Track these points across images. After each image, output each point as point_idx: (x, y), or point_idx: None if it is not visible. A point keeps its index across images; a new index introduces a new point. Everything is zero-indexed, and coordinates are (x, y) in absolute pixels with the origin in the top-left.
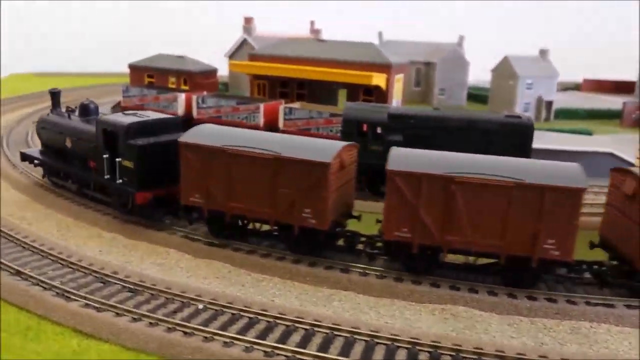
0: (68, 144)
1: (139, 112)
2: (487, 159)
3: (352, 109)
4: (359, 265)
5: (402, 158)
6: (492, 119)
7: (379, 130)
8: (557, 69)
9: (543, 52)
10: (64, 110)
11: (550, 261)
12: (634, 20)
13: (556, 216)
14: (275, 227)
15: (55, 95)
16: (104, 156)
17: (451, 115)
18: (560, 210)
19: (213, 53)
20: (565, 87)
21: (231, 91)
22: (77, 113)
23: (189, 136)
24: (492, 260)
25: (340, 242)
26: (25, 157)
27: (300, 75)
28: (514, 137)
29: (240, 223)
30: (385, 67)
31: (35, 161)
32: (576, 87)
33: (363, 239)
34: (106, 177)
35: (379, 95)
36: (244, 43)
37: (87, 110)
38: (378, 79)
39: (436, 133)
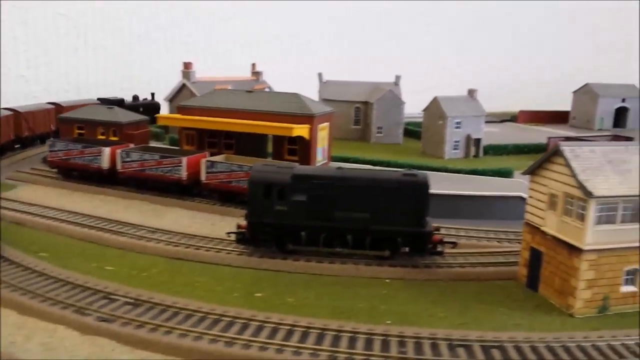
0: None
1: None
2: None
3: (258, 171)
4: None
5: None
6: (390, 178)
7: (283, 191)
8: (484, 108)
9: (471, 92)
10: None
11: None
12: (569, 53)
13: None
14: None
15: None
16: None
17: (352, 175)
18: None
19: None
20: (502, 119)
21: (171, 133)
22: None
23: None
24: None
25: None
26: None
27: (224, 127)
28: (410, 195)
29: None
30: (308, 118)
31: None
32: (513, 119)
33: None
34: None
35: (303, 144)
36: (183, 87)
37: None
38: (300, 130)
39: (338, 192)
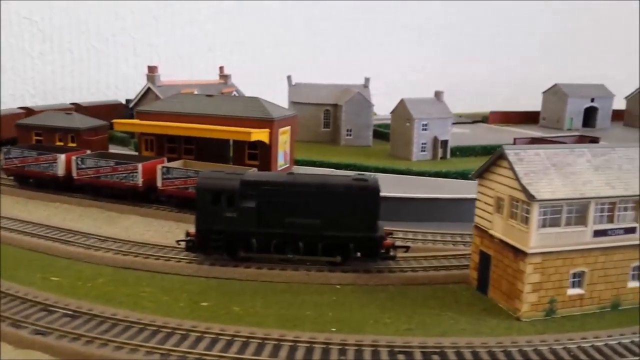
0: None
1: None
2: None
3: (206, 177)
4: None
5: None
6: (340, 183)
7: (232, 197)
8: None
9: (438, 94)
10: None
11: None
12: (539, 53)
13: None
14: None
15: None
16: None
17: (302, 181)
18: None
19: None
20: (474, 120)
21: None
22: None
23: None
24: None
25: None
26: None
27: (181, 132)
28: (361, 200)
29: None
30: (268, 122)
31: None
32: (484, 120)
33: None
34: None
35: (263, 149)
36: (148, 91)
37: None
38: (259, 135)
39: (288, 198)
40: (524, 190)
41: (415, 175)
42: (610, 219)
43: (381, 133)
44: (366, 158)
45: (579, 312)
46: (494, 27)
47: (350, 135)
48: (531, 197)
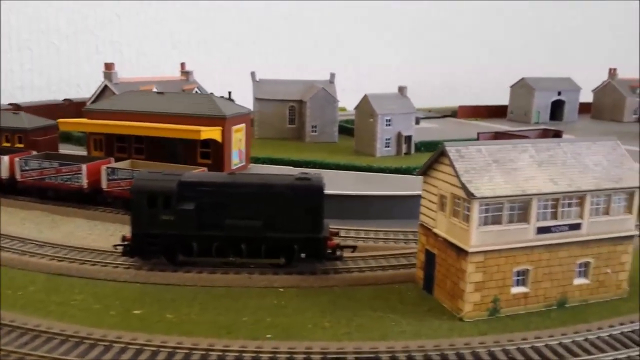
0: None
1: None
2: None
3: (141, 179)
4: None
5: None
6: (282, 183)
7: (169, 199)
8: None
9: (401, 89)
10: None
11: None
12: (509, 47)
13: None
14: None
15: None
16: None
17: (242, 181)
18: None
19: None
20: (443, 115)
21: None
22: None
23: None
24: None
25: None
26: None
27: (128, 132)
28: (304, 199)
29: None
30: (219, 120)
31: None
32: (453, 114)
33: None
34: None
35: (216, 147)
36: (105, 89)
37: None
38: (210, 133)
39: (228, 199)
40: (464, 187)
41: (376, 172)
42: (554, 216)
43: (349, 129)
44: (330, 155)
45: (524, 310)
46: (468, 24)
47: (315, 131)
48: (471, 195)
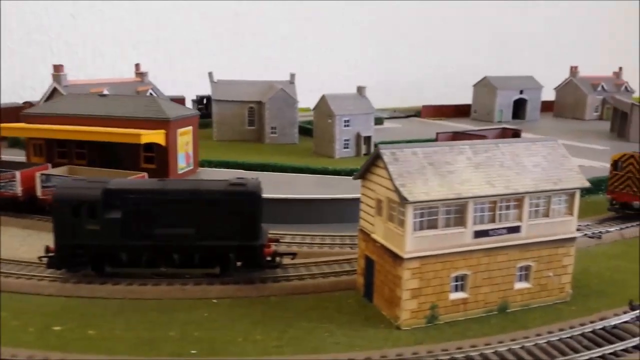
0: None
1: None
2: None
3: (64, 187)
4: None
5: None
6: (215, 189)
7: (94, 208)
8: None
9: (360, 89)
10: None
11: None
12: (472, 46)
13: None
14: None
15: None
16: None
17: (172, 188)
18: None
19: None
20: (407, 114)
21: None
22: None
23: None
24: None
25: None
26: None
27: (66, 136)
28: (238, 205)
29: None
30: (163, 123)
31: None
32: (418, 114)
33: None
34: None
35: (160, 151)
36: (54, 92)
37: None
38: (152, 137)
39: (157, 207)
40: (397, 191)
41: (332, 174)
42: (492, 219)
43: (310, 130)
44: (288, 156)
45: (464, 317)
46: (435, 24)
47: (275, 133)
48: (404, 199)
